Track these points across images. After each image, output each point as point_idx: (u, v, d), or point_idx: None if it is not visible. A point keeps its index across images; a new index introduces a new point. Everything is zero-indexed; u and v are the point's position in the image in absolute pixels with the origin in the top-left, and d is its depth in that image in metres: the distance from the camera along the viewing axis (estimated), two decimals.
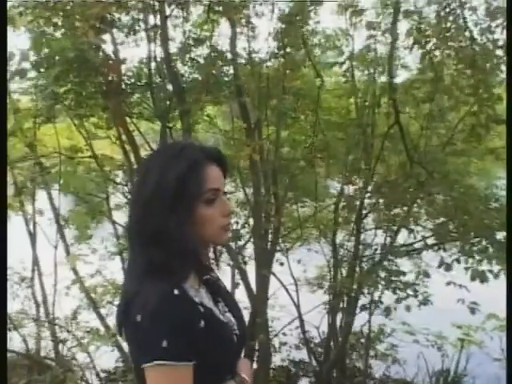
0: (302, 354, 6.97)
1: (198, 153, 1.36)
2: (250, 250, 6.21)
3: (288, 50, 5.37)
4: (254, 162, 5.32)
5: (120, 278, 5.59)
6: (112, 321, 5.58)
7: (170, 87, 5.50)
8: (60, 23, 4.70)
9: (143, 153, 5.52)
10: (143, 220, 1.31)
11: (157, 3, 5.01)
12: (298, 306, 6.18)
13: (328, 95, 6.67)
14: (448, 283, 4.76)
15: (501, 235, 4.49)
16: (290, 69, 5.43)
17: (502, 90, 4.79)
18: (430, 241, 5.31)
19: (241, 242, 5.92)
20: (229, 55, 5.55)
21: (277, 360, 6.96)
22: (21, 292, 6.60)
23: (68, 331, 5.95)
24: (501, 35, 4.47)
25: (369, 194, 5.64)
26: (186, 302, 1.26)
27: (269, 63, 5.74)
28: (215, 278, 1.50)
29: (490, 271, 4.41)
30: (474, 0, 4.73)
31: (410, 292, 5.08)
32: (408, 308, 5.00)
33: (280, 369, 6.94)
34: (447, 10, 4.75)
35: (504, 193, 5.53)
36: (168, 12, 5.12)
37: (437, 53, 4.98)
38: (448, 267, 4.45)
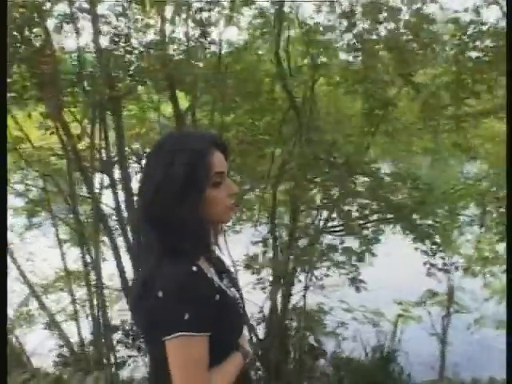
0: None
1: (201, 141, 1.44)
2: None
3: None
4: None
5: None
6: None
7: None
8: None
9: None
10: (155, 208, 1.39)
11: None
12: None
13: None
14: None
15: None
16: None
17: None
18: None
19: None
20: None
21: None
22: None
23: None
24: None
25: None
26: (204, 277, 1.36)
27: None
28: (216, 255, 1.60)
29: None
30: None
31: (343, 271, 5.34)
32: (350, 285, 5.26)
33: None
34: None
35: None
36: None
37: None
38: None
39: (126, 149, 6.94)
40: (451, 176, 6.51)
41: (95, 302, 6.30)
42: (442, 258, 4.87)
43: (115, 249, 6.06)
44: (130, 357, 7.42)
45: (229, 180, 1.47)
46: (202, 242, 1.42)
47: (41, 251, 6.87)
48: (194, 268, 1.34)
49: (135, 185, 6.79)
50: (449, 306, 6.69)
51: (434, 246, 4.81)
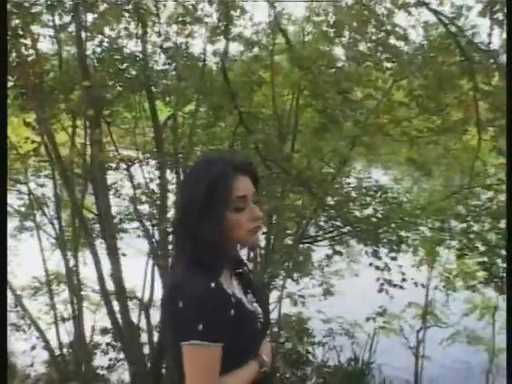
0: None
1: (227, 165, 1.53)
2: None
3: None
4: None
5: None
6: None
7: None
8: None
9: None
10: (181, 224, 1.56)
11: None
12: None
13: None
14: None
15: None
16: None
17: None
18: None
19: None
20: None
21: None
22: None
23: None
24: None
25: None
26: (221, 293, 1.48)
27: None
28: (247, 271, 1.73)
29: None
30: None
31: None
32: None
33: None
34: None
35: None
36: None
37: None
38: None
39: (117, 154, 7.22)
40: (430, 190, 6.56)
41: (75, 306, 6.48)
42: (402, 273, 4.93)
43: (95, 254, 6.24)
44: (118, 360, 7.58)
45: (253, 205, 1.55)
46: (220, 260, 1.52)
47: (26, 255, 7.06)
48: (213, 284, 1.45)
49: (127, 190, 7.06)
50: (424, 319, 6.71)
51: (391, 261, 4.88)
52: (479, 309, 7.01)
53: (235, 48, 6.90)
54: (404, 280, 4.93)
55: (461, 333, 6.83)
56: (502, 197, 4.61)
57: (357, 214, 5.51)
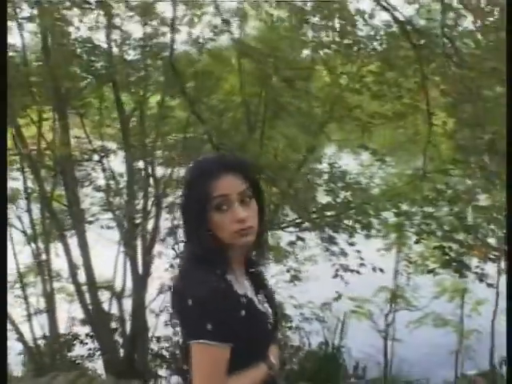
0: None
1: (210, 164, 1.51)
2: None
3: None
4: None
5: None
6: None
7: None
8: None
9: None
10: (183, 225, 1.57)
11: None
12: None
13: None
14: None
15: None
16: None
17: None
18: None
19: None
20: None
21: None
22: None
23: None
24: None
25: None
26: (231, 294, 1.45)
27: None
28: (259, 271, 1.68)
29: None
30: None
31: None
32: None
33: None
34: None
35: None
36: None
37: None
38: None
39: (89, 147, 7.29)
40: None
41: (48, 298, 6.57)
42: (361, 259, 5.00)
43: (66, 246, 6.31)
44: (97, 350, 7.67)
45: (237, 205, 1.48)
46: (218, 258, 1.49)
47: None
48: (223, 285, 1.44)
49: (100, 182, 7.13)
50: (391, 303, 6.81)
51: (347, 247, 4.95)
52: (449, 292, 7.10)
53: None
54: (362, 265, 4.99)
55: (429, 315, 6.93)
56: (455, 180, 4.70)
57: (321, 200, 5.58)
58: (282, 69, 4.41)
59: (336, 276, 4.86)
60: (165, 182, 6.54)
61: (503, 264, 6.49)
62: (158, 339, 7.86)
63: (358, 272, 4.96)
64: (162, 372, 7.49)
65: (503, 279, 6.49)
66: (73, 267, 6.31)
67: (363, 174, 6.31)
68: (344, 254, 4.89)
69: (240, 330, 1.44)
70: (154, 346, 7.91)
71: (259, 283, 1.65)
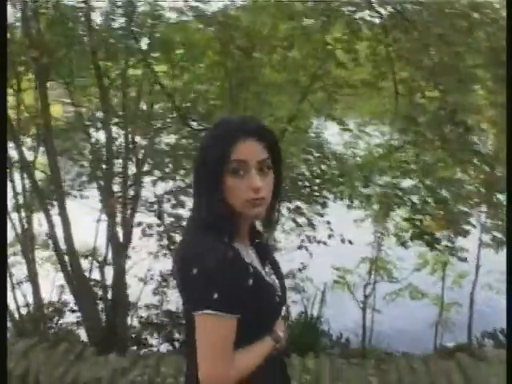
0: None
1: (231, 126, 1.47)
2: None
3: None
4: None
5: None
6: None
7: None
8: None
9: None
10: (192, 186, 1.55)
11: None
12: None
13: None
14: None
15: None
16: None
17: None
18: None
19: None
20: None
21: None
22: None
23: None
24: None
25: None
26: (239, 262, 1.42)
27: None
28: (265, 243, 1.69)
29: None
30: None
31: None
32: None
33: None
34: None
35: None
36: None
37: None
38: None
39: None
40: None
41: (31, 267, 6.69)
42: (330, 230, 5.03)
43: (48, 216, 6.39)
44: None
45: (253, 173, 1.44)
46: (223, 224, 1.45)
47: None
48: (230, 252, 1.41)
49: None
50: (370, 274, 6.84)
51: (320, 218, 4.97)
52: (431, 264, 7.12)
53: None
54: (331, 236, 5.02)
55: (409, 287, 6.97)
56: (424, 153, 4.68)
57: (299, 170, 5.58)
58: (239, 38, 4.37)
59: (301, 247, 4.87)
60: (145, 151, 6.58)
61: (484, 237, 6.52)
62: (148, 307, 8.09)
63: (324, 243, 4.98)
64: (152, 340, 7.71)
65: (485, 252, 6.52)
66: (54, 236, 6.40)
67: (343, 144, 6.31)
68: (312, 225, 4.90)
69: (247, 301, 1.41)
70: (143, 313, 8.12)
71: (265, 255, 1.64)
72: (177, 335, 7.67)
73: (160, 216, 6.28)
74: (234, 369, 1.40)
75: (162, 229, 6.36)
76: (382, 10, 4.30)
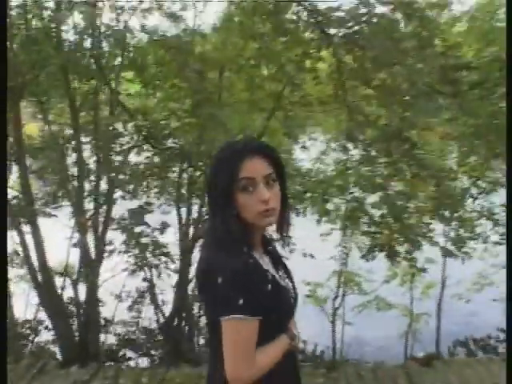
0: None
1: (236, 148, 1.62)
2: None
3: None
4: None
5: None
6: None
7: None
8: None
9: None
10: (207, 204, 1.75)
11: None
12: None
13: None
14: None
15: None
16: None
17: None
18: None
19: None
20: None
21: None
22: None
23: None
24: None
25: None
26: (259, 269, 1.58)
27: None
28: (276, 249, 1.84)
29: None
30: None
31: None
32: None
33: None
34: None
35: None
36: None
37: None
38: None
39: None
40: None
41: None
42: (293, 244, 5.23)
43: (21, 234, 6.54)
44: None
45: (261, 186, 1.59)
46: (241, 237, 1.59)
47: None
48: (251, 260, 1.56)
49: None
50: (338, 287, 7.04)
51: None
52: (400, 276, 7.34)
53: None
54: (292, 251, 5.22)
55: (376, 299, 7.18)
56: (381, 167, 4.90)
57: None
58: (192, 61, 4.61)
59: None
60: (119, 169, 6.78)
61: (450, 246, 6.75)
62: (124, 323, 8.27)
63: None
64: (131, 354, 7.86)
65: (451, 261, 6.76)
66: (28, 254, 6.53)
67: (309, 160, 6.55)
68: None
69: (267, 304, 1.57)
70: (120, 329, 8.29)
71: (277, 261, 1.80)
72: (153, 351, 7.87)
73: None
74: (257, 366, 1.58)
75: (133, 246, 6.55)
76: (335, 31, 4.55)
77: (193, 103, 5.02)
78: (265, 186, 1.59)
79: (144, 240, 6.24)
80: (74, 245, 6.83)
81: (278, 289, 1.62)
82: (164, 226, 6.58)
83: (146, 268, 6.66)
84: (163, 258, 6.46)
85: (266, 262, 1.68)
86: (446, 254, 4.97)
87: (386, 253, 5.21)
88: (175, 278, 7.00)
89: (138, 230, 6.23)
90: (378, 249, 5.19)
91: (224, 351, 1.55)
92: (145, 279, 6.97)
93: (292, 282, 1.80)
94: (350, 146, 5.85)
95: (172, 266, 6.82)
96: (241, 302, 1.50)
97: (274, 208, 1.61)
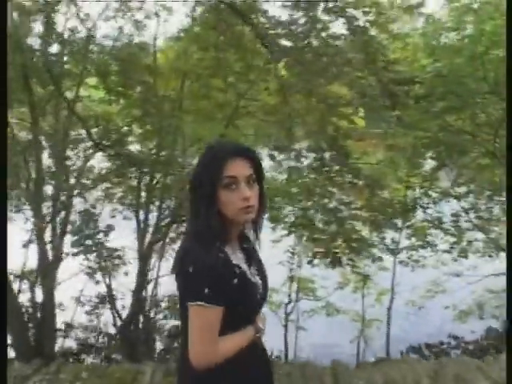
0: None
1: (222, 148, 1.79)
2: None
3: None
4: None
5: None
6: None
7: None
8: None
9: None
10: (190, 200, 1.82)
11: None
12: None
13: None
14: None
15: None
16: None
17: None
18: None
19: None
20: None
21: None
22: None
23: None
24: None
25: None
26: (227, 263, 1.73)
27: None
28: (252, 246, 1.95)
29: None
30: None
31: None
32: None
33: None
34: None
35: None
36: None
37: None
38: None
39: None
40: None
41: None
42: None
43: None
44: None
45: (243, 185, 1.75)
46: (218, 232, 1.74)
47: None
48: (221, 255, 1.72)
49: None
50: (290, 293, 7.34)
51: None
52: (353, 282, 7.66)
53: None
54: None
55: (327, 305, 7.50)
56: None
57: None
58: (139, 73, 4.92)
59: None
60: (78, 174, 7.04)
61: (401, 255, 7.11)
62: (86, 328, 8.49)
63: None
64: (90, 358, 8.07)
65: (399, 268, 7.11)
66: None
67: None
68: None
69: (232, 296, 1.71)
70: (81, 334, 8.51)
71: (252, 257, 1.92)
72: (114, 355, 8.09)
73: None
74: (218, 350, 1.74)
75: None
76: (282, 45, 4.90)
77: (142, 113, 5.31)
78: (246, 185, 1.75)
79: (91, 243, 6.49)
80: (24, 245, 6.95)
81: (245, 283, 1.77)
82: (109, 229, 6.81)
83: (100, 271, 6.90)
84: (116, 261, 6.71)
85: (238, 258, 1.82)
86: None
87: (328, 259, 5.53)
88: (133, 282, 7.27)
89: (87, 232, 6.46)
90: (320, 256, 5.50)
91: (189, 335, 1.72)
92: (97, 282, 7.16)
93: (264, 279, 1.93)
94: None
95: (129, 269, 7.12)
96: (206, 291, 1.66)
97: (253, 205, 1.78)
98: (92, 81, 7.80)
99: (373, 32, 5.09)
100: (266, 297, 1.97)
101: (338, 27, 5.27)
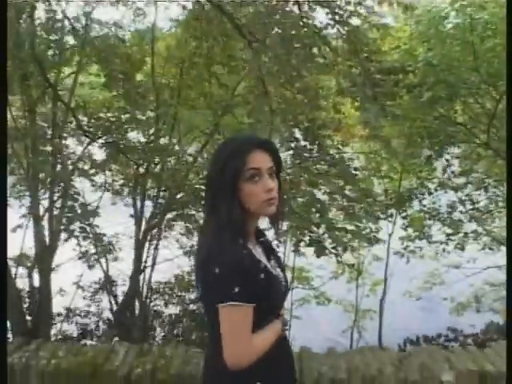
0: None
1: (243, 141, 1.83)
2: None
3: None
4: None
5: None
6: None
7: None
8: None
9: None
10: (208, 195, 1.85)
11: None
12: None
13: None
14: None
15: None
16: None
17: None
18: None
19: None
20: None
21: None
22: None
23: None
24: None
25: None
26: (252, 259, 1.75)
27: None
28: (268, 240, 2.01)
29: None
30: None
31: None
32: None
33: None
34: None
35: None
36: None
37: None
38: None
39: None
40: None
41: None
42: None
43: None
44: None
45: (266, 177, 1.78)
46: (238, 227, 1.76)
47: None
48: (245, 251, 1.74)
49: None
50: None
51: None
52: (347, 272, 7.82)
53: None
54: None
55: (321, 294, 7.67)
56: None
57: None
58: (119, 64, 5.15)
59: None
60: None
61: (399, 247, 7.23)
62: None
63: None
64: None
65: (393, 258, 7.25)
66: None
67: None
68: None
69: (260, 292, 1.74)
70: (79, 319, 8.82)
71: (269, 251, 1.98)
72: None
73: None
74: (254, 348, 1.76)
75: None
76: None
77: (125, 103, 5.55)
78: (268, 177, 1.79)
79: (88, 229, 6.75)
80: (13, 230, 7.20)
81: (269, 277, 1.79)
82: (95, 214, 7.05)
83: (95, 257, 7.18)
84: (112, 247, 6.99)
85: (258, 253, 1.86)
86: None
87: (314, 248, 5.71)
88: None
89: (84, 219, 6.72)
90: (304, 244, 5.67)
91: (222, 336, 1.71)
92: (90, 267, 7.39)
93: (283, 270, 1.97)
94: None
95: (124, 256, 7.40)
96: (236, 290, 1.67)
97: (276, 197, 1.80)
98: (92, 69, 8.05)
99: (357, 22, 5.21)
100: (288, 288, 2.03)
101: (323, 17, 5.47)
